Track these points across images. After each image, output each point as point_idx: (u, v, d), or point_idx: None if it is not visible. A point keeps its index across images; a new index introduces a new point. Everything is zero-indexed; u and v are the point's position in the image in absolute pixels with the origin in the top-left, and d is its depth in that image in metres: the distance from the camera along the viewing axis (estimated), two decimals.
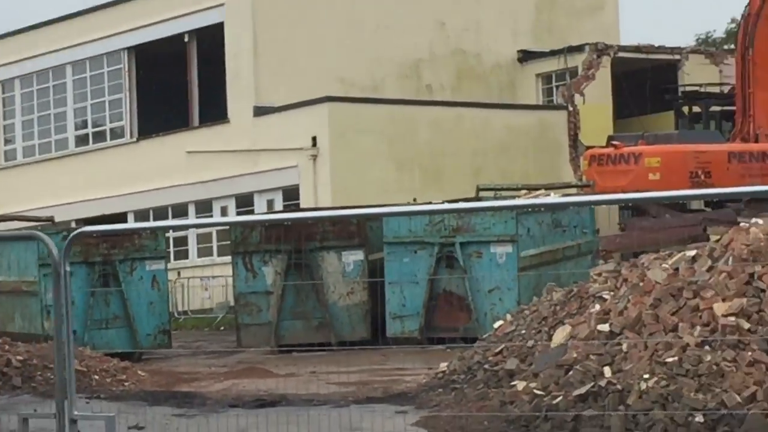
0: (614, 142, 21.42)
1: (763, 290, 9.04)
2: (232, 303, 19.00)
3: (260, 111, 24.80)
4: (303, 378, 11.96)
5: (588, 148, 23.65)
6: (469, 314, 15.40)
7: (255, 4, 24.75)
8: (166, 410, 9.56)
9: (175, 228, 23.96)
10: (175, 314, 20.11)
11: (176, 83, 27.17)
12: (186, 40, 26.63)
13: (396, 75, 26.36)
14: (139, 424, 7.58)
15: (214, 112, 26.39)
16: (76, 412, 4.73)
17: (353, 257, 16.36)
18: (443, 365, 11.29)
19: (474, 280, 15.41)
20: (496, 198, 18.71)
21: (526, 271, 15.40)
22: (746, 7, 21.44)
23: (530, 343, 11.24)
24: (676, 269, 10.38)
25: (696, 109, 24.45)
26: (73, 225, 22.85)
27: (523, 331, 11.68)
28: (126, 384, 11.85)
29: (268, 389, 11.14)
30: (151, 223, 22.24)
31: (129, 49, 27.55)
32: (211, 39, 25.76)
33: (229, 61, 25.53)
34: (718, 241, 10.55)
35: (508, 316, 12.55)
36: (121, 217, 25.99)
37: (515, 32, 27.69)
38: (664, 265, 10.72)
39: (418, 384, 11.33)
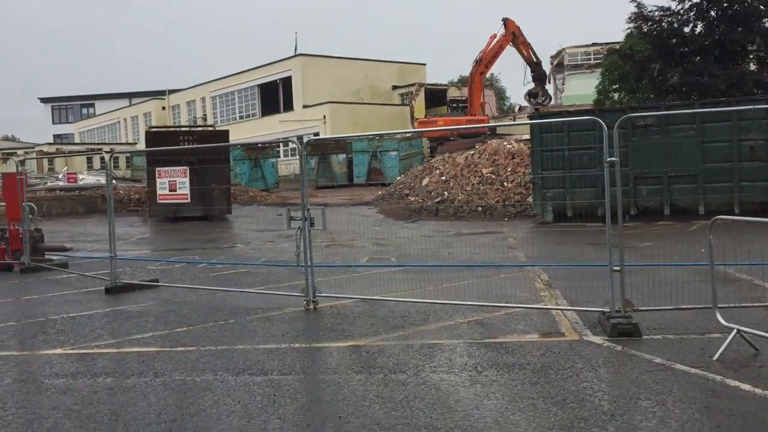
0: (427, 118, 51.63)
1: (498, 164, 25.78)
2: (298, 172, 43.11)
3: (305, 107, 60.80)
4: (329, 198, 27.85)
5: (418, 119, 54.09)
6: (383, 175, 36.41)
7: (304, 73, 61.78)
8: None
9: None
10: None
11: (273, 97, 65.19)
12: (278, 82, 64.38)
13: (352, 95, 62.89)
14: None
15: (288, 106, 63.24)
16: (309, 207, 10.04)
17: (342, 156, 37.68)
18: (379, 192, 27.41)
19: (384, 163, 36.93)
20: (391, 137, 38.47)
21: (401, 161, 36.30)
22: (473, 64, 47.93)
23: (412, 184, 27.65)
24: (466, 157, 27.04)
25: (454, 105, 61.21)
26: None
27: (408, 180, 28.11)
28: (267, 199, 27.64)
29: (319, 202, 26.65)
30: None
31: (257, 85, 66.97)
32: (287, 81, 63.32)
33: (295, 89, 62.27)
34: (482, 147, 27.30)
35: (401, 176, 29.23)
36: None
37: (391, 79, 67.13)
38: (462, 156, 27.42)
39: (372, 198, 27.54)
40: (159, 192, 18.46)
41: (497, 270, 13.10)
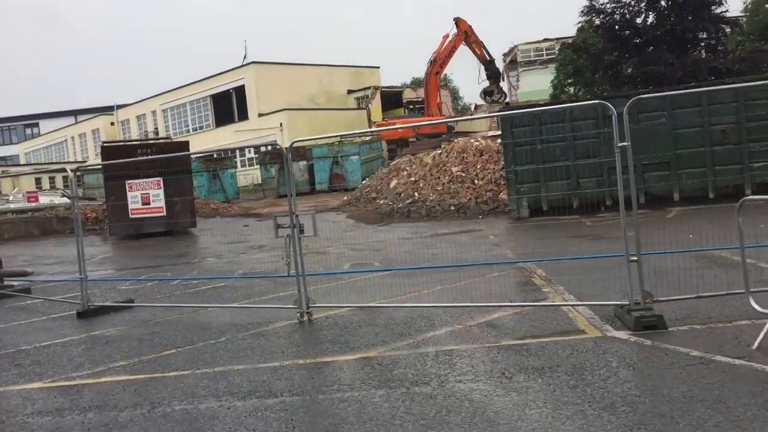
0: (384, 121, 51.56)
1: (467, 162, 25.35)
2: (258, 182, 41.87)
3: (260, 115, 60.30)
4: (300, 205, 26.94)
5: (375, 122, 57.35)
6: (345, 181, 35.25)
7: (257, 81, 60.79)
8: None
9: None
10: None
11: (227, 107, 64.13)
12: (231, 91, 63.84)
13: (308, 101, 62.78)
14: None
15: (243, 116, 62.71)
16: (298, 212, 9.89)
17: (303, 163, 36.03)
18: (345, 198, 26.71)
19: (346, 168, 35.56)
20: (350, 141, 37.28)
21: (363, 164, 35.23)
22: (427, 65, 49.09)
23: (379, 187, 27.06)
24: (434, 157, 26.56)
25: (411, 106, 59.72)
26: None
27: (375, 183, 27.51)
28: (230, 211, 26.87)
29: (284, 211, 26.04)
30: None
31: (209, 96, 66.17)
32: (240, 90, 62.29)
33: (249, 98, 61.69)
34: (449, 146, 26.85)
35: (366, 180, 28.55)
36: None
37: (345, 84, 67.07)
38: (429, 156, 26.93)
39: (338, 204, 26.83)
40: (131, 207, 17.54)
41: (489, 268, 12.59)
